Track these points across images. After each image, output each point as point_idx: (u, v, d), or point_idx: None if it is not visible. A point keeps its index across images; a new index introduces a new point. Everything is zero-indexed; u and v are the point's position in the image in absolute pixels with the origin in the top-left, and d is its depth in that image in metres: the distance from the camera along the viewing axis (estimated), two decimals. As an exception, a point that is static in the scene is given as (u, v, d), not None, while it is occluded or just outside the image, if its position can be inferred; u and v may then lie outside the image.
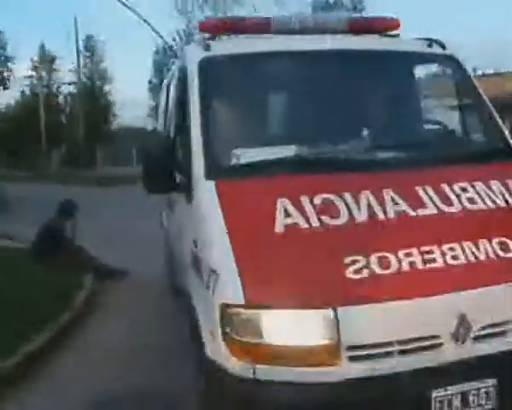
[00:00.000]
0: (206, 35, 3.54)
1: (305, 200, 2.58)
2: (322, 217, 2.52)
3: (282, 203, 2.56)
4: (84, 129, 29.67)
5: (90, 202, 7.65)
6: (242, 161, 2.80)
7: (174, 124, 3.64)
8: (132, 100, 28.84)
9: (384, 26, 3.71)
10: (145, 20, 19.51)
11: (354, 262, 2.34)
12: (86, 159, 28.04)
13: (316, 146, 2.96)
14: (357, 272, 2.32)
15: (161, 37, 22.03)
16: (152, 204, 5.39)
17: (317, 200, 2.59)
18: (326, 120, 3.11)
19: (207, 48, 3.26)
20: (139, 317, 5.18)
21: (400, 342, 2.28)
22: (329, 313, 2.23)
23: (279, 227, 2.48)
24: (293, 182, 2.69)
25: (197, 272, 2.74)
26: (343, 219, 2.53)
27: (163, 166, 3.01)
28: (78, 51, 31.83)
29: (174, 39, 25.78)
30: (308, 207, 2.55)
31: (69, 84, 35.29)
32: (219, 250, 2.48)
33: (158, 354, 4.12)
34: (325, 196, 2.61)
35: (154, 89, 28.38)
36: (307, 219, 2.50)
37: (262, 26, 3.54)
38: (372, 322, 2.28)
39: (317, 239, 2.46)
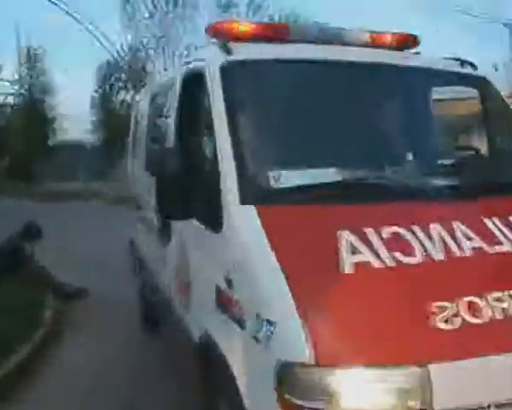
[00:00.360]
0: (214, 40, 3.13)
1: (370, 233, 2.16)
2: (395, 254, 2.11)
3: (345, 236, 2.14)
4: (24, 142, 28.21)
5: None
6: (286, 184, 2.34)
7: (182, 140, 3.15)
8: (75, 114, 27.58)
9: (405, 42, 3.42)
10: (90, 31, 18.90)
11: (442, 309, 1.94)
12: (29, 173, 26.64)
13: (361, 170, 2.55)
14: (448, 321, 1.92)
15: (107, 49, 21.45)
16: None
17: (385, 233, 2.18)
18: (370, 140, 2.73)
19: (229, 51, 2.82)
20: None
21: (498, 406, 1.89)
22: (421, 371, 1.82)
23: (347, 266, 2.04)
24: (352, 211, 2.27)
25: (230, 317, 2.26)
26: (418, 256, 2.12)
27: (182, 189, 2.54)
28: (19, 62, 30.40)
29: (119, 53, 24.99)
30: (376, 242, 2.13)
31: (7, 95, 33.52)
32: (273, 294, 2.01)
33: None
34: (393, 228, 2.20)
35: (96, 102, 27.46)
36: (378, 257, 2.08)
37: (279, 33, 3.15)
38: (468, 381, 1.88)
39: (395, 281, 2.04)
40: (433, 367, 1.83)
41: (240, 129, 2.51)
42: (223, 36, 3.02)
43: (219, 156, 2.47)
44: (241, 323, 2.16)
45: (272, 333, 1.93)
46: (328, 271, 2.04)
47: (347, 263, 2.05)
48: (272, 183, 2.36)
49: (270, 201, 2.29)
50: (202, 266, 2.72)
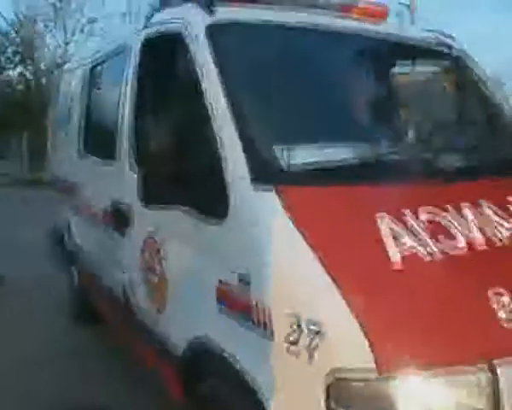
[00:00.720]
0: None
1: (409, 217, 1.90)
2: (439, 242, 1.85)
3: (385, 222, 1.84)
4: None
5: None
6: (304, 161, 2.01)
7: (148, 115, 2.70)
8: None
9: (373, 14, 3.20)
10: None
11: (502, 301, 1.73)
12: None
13: (375, 146, 2.28)
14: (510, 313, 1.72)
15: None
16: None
17: (423, 217, 1.92)
18: (379, 113, 2.46)
19: (212, 13, 2.42)
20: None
21: None
22: (488, 368, 1.59)
23: (395, 259, 1.75)
24: (383, 192, 1.99)
25: (244, 322, 1.90)
26: (461, 242, 1.90)
27: (167, 171, 2.14)
28: None
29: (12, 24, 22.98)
30: (417, 228, 1.86)
31: None
32: (317, 293, 1.68)
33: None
34: (429, 211, 1.95)
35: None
36: (424, 246, 1.81)
37: None
38: None
39: (447, 274, 1.79)
40: (498, 363, 1.61)
41: (240, 98, 2.13)
42: None
43: (217, 130, 2.08)
44: (265, 328, 1.81)
45: (320, 339, 1.61)
46: (375, 264, 1.74)
47: (394, 254, 1.76)
48: (287, 160, 1.99)
49: (288, 181, 1.93)
50: (191, 262, 2.31)
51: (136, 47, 2.97)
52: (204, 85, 2.20)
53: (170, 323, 2.50)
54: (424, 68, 3.19)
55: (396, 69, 2.98)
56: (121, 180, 3.04)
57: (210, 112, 2.13)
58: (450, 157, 2.29)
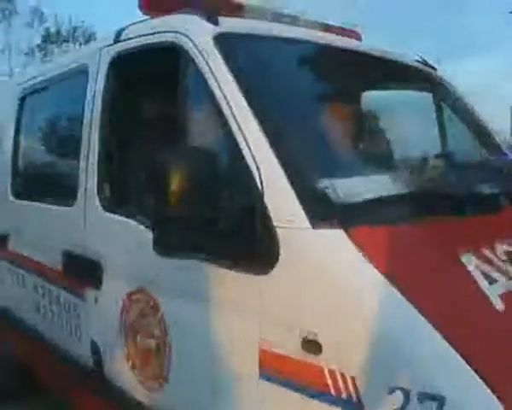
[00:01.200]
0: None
1: (488, 253, 1.67)
2: None
3: (472, 261, 1.60)
4: None
5: None
6: (359, 197, 1.69)
7: (130, 147, 2.26)
8: None
9: (349, 35, 3.04)
10: None
11: None
12: None
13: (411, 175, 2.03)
14: None
15: None
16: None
17: (499, 250, 1.71)
18: (406, 139, 2.24)
19: (215, 22, 2.07)
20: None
21: None
22: None
23: (496, 302, 1.51)
24: (452, 228, 1.73)
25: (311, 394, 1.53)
26: None
27: (186, 214, 1.72)
28: None
29: None
30: (498, 263, 1.65)
31: None
32: (430, 359, 1.37)
33: None
34: (500, 244, 1.74)
35: None
36: None
37: (235, 8, 2.50)
38: None
39: None
40: None
41: (273, 120, 1.79)
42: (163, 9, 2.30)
43: (249, 160, 1.71)
44: (348, 400, 1.46)
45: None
46: (482, 313, 1.48)
47: (493, 297, 1.51)
48: (341, 195, 1.66)
49: (355, 219, 1.63)
50: (211, 321, 1.89)
51: (102, 66, 2.52)
52: (223, 106, 1.82)
53: (176, 397, 2.05)
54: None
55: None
56: (84, 226, 2.55)
57: (237, 138, 1.76)
58: (489, 184, 2.11)
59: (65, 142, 2.78)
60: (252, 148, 1.72)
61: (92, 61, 2.62)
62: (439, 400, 1.30)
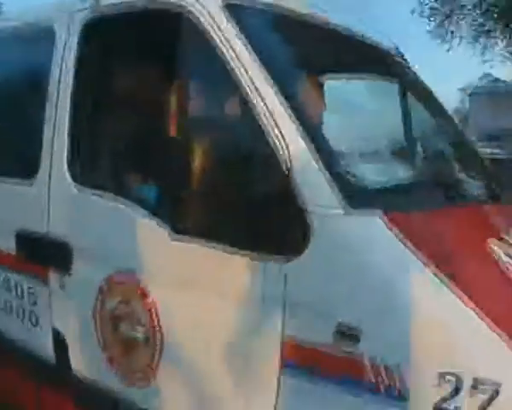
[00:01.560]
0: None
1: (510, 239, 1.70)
2: None
3: (500, 249, 1.61)
4: None
5: None
6: (385, 182, 1.64)
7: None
8: None
9: None
10: None
11: None
12: None
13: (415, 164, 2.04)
14: None
15: None
16: None
17: None
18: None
19: None
20: None
21: None
22: None
23: None
24: (471, 214, 1.75)
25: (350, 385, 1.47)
26: None
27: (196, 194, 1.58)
28: None
29: None
30: None
31: None
32: (482, 347, 1.35)
33: None
34: None
35: None
36: None
37: None
38: None
39: None
40: None
41: (299, 98, 1.68)
42: None
43: (275, 140, 1.59)
44: (389, 390, 1.41)
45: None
46: None
47: None
48: (376, 180, 1.62)
49: (389, 204, 1.57)
50: (216, 311, 1.75)
51: (72, 31, 2.25)
52: (240, 79, 1.67)
53: (163, 394, 1.89)
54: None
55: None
56: (47, 203, 2.28)
57: (261, 116, 1.62)
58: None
59: (24, 110, 2.45)
60: (280, 127, 1.60)
61: (56, 23, 2.32)
62: (495, 385, 1.29)
